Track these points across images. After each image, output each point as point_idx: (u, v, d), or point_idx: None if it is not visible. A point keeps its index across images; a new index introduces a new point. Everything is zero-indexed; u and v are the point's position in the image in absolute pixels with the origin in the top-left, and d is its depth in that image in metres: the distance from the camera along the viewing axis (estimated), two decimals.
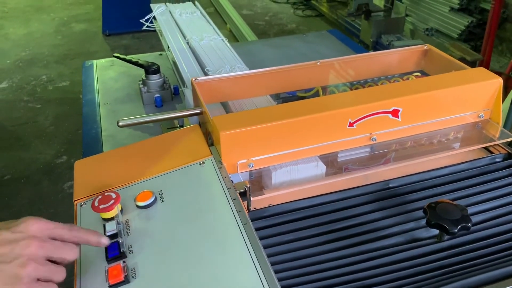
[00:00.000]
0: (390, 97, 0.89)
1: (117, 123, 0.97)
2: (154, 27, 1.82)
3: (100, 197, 0.75)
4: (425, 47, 1.23)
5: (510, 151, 0.92)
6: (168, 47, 1.64)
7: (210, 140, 0.91)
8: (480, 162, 0.91)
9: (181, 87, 1.41)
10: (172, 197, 0.77)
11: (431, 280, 0.67)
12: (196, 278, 0.62)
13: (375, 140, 0.91)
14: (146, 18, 1.80)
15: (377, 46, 3.80)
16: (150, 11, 1.82)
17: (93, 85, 1.43)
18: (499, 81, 0.94)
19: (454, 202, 0.72)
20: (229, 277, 0.61)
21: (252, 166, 0.85)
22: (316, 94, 1.21)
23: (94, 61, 1.58)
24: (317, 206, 0.81)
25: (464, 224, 0.68)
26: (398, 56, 1.25)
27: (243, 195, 0.78)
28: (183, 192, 0.77)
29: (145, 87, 1.31)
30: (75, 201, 0.80)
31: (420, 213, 0.79)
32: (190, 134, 0.93)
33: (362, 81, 1.26)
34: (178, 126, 1.21)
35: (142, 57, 1.49)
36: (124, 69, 1.54)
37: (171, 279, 0.63)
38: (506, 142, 0.94)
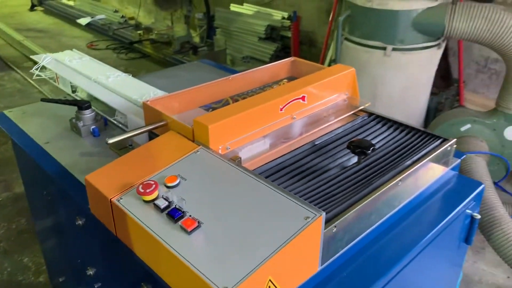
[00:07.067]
0: (299, 88, 1.34)
1: (106, 141, 1.18)
2: (42, 76, 1.94)
3: (141, 186, 0.99)
4: (292, 59, 1.73)
5: (371, 112, 1.46)
6: (73, 90, 1.81)
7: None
8: (357, 121, 1.42)
9: (109, 118, 1.61)
10: (191, 176, 1.05)
11: (360, 185, 1.12)
12: (257, 211, 0.93)
13: (295, 118, 1.34)
14: (35, 67, 1.91)
15: None
16: None
17: (21, 131, 1.51)
18: (353, 70, 1.48)
19: (363, 139, 1.20)
20: (282, 209, 0.93)
21: (229, 148, 1.18)
22: (227, 103, 1.58)
23: (3, 112, 1.64)
24: (280, 164, 1.20)
25: (373, 147, 1.16)
26: (275, 68, 1.71)
27: None
28: (197, 172, 1.06)
29: (81, 121, 1.49)
30: (110, 198, 1.01)
31: (341, 153, 1.25)
32: (171, 138, 1.20)
33: (249, 91, 1.68)
34: (128, 145, 1.43)
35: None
36: (42, 114, 1.65)
37: (232, 218, 0.92)
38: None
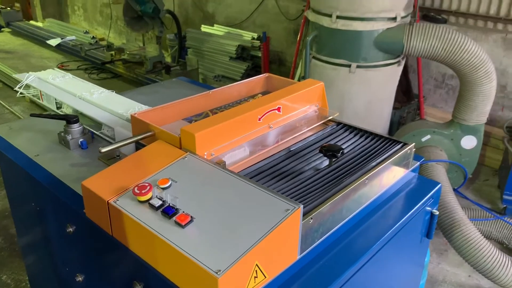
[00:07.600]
0: (274, 100, 1.48)
1: (100, 150, 1.27)
2: (25, 94, 2.02)
3: (136, 187, 1.09)
4: (266, 75, 1.88)
5: (339, 121, 1.61)
6: (58, 107, 1.89)
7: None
8: (327, 129, 1.57)
9: (95, 132, 1.70)
10: (182, 178, 1.16)
11: (332, 184, 1.26)
12: (243, 205, 1.05)
13: (272, 127, 1.47)
14: (18, 86, 1.98)
15: None
16: None
17: (11, 146, 1.58)
18: (322, 84, 1.64)
19: (334, 144, 1.34)
20: (265, 203, 1.05)
21: (214, 154, 1.30)
22: (207, 116, 1.70)
23: None
24: (260, 168, 1.32)
25: (342, 151, 1.30)
26: (250, 84, 1.85)
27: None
28: (187, 175, 1.17)
29: (69, 135, 1.57)
30: (108, 200, 1.10)
31: (315, 157, 1.39)
32: (160, 146, 1.31)
33: (227, 104, 1.81)
34: (115, 156, 1.52)
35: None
36: (29, 129, 1.72)
37: (222, 212, 1.04)
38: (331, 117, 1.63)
